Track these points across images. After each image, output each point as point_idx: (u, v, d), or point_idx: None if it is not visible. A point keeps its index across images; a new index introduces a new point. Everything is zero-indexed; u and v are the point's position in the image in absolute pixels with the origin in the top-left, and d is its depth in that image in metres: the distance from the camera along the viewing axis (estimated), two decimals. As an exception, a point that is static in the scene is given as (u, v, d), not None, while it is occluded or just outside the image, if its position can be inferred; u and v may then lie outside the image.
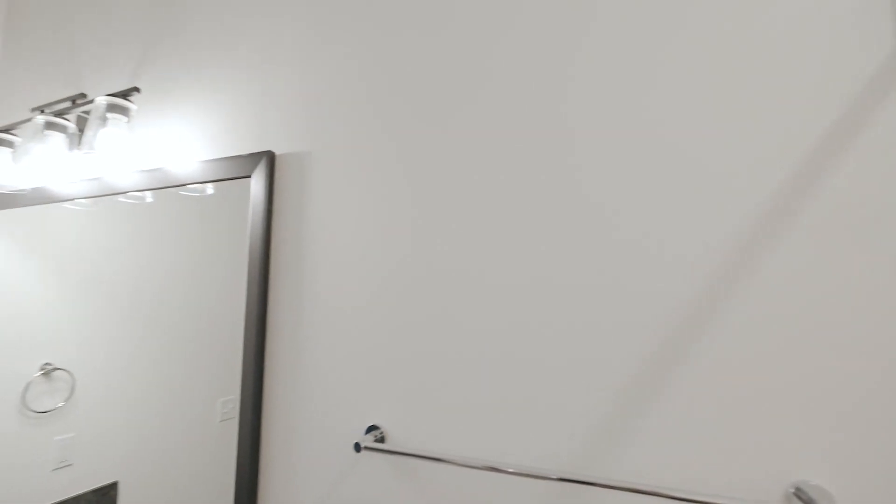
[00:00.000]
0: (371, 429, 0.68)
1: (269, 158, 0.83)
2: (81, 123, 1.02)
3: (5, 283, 1.17)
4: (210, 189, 0.93)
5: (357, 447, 0.63)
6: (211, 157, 0.89)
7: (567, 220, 0.62)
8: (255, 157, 0.84)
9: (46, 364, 1.09)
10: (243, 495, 0.77)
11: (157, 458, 0.95)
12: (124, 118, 0.89)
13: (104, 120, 0.87)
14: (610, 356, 0.58)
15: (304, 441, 0.75)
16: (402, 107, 0.75)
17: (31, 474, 1.07)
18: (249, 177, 0.84)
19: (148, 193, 1.00)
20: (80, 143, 1.02)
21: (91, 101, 0.94)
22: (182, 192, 0.96)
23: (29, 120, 1.06)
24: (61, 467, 1.04)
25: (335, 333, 0.75)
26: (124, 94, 0.89)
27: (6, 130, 1.07)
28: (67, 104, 1.00)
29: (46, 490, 1.05)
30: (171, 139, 0.96)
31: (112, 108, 0.87)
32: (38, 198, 1.13)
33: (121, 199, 1.03)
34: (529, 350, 0.62)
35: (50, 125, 0.96)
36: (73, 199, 1.10)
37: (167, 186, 0.95)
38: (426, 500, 0.65)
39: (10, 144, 1.08)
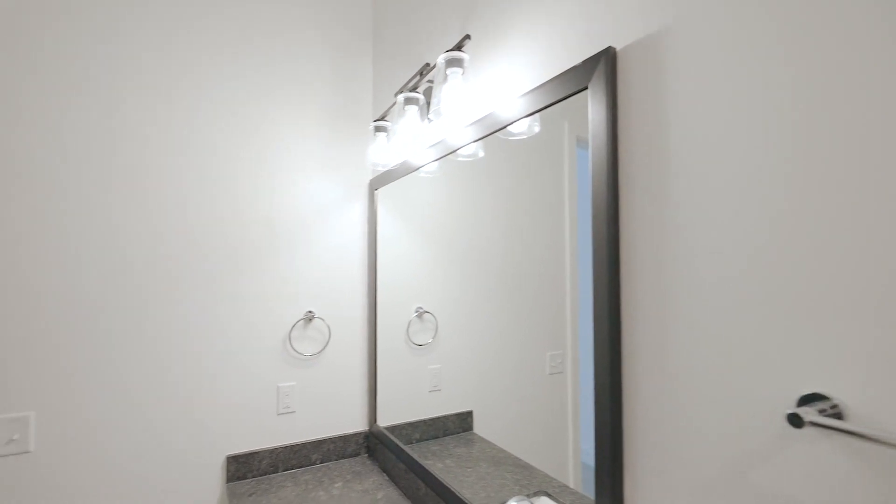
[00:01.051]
0: (811, 399, 0.45)
1: (609, 60, 0.69)
2: (429, 95, 1.16)
3: (390, 244, 1.50)
4: (537, 127, 0.88)
5: (795, 420, 0.42)
6: (536, 84, 0.84)
7: None
8: (586, 66, 0.72)
9: (419, 307, 1.33)
10: (605, 474, 0.68)
11: (497, 398, 0.99)
12: (459, 70, 0.93)
13: (445, 79, 0.95)
14: None
15: (686, 409, 0.59)
16: None
17: (416, 392, 1.32)
18: (586, 88, 0.73)
19: (480, 149, 1.05)
20: (428, 112, 1.17)
21: (434, 66, 1.04)
22: (509, 138, 0.95)
23: (394, 104, 1.29)
24: (434, 391, 1.25)
25: (731, 263, 0.55)
26: (458, 46, 0.93)
27: (381, 118, 1.35)
28: (417, 78, 1.15)
29: (425, 406, 1.28)
30: (497, 77, 0.97)
31: (450, 63, 0.93)
32: (403, 171, 1.38)
33: (460, 158, 1.12)
34: None
35: (407, 101, 1.13)
36: (422, 167, 1.28)
37: (494, 131, 0.96)
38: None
39: (384, 129, 1.35)
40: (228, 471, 1.38)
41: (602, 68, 0.69)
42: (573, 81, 0.75)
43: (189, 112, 1.39)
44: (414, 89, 1.15)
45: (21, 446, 1.16)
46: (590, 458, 0.76)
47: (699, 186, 0.59)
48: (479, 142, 1.04)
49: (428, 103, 1.16)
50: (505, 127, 0.94)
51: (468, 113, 1.06)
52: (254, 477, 1.41)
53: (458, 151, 1.12)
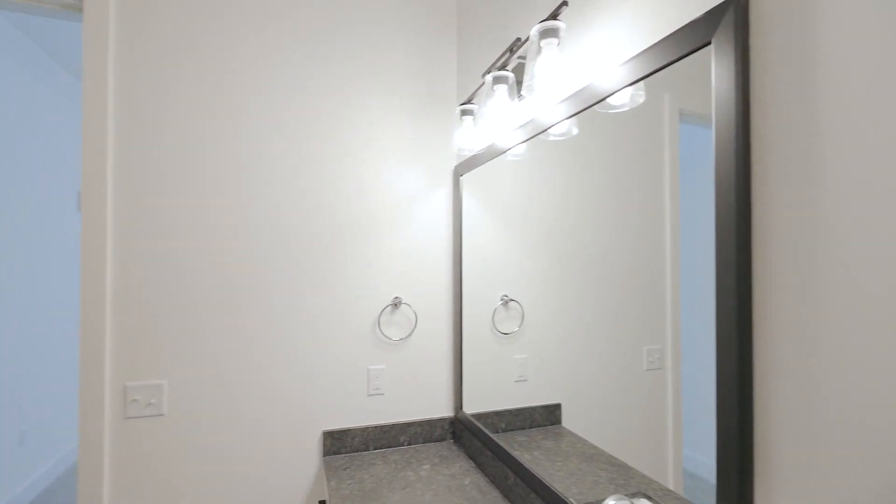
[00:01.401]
0: None
1: (739, 7, 0.59)
2: (519, 73, 1.11)
3: (475, 231, 1.48)
4: (642, 96, 0.79)
5: None
6: (643, 48, 0.75)
7: None
8: (709, 19, 0.63)
9: (504, 295, 1.30)
10: (731, 489, 0.60)
11: (588, 393, 0.94)
12: (555, 41, 0.88)
13: (538, 52, 0.89)
14: None
15: (843, 429, 0.50)
16: None
17: (501, 381, 1.30)
18: (708, 44, 0.64)
19: (574, 126, 0.99)
20: (519, 90, 1.12)
21: (526, 41, 1.00)
22: (608, 111, 0.87)
23: (481, 85, 1.26)
24: (520, 381, 1.21)
25: None
26: (553, 15, 0.87)
27: (468, 102, 1.33)
28: (506, 56, 1.11)
29: (510, 397, 1.25)
30: (596, 45, 0.90)
31: (544, 33, 0.87)
32: (489, 154, 1.35)
33: (551, 137, 1.06)
34: None
35: (496, 80, 1.09)
36: (510, 150, 1.24)
37: (592, 104, 0.89)
38: None
39: (471, 112, 1.33)
40: (325, 445, 1.47)
41: (730, 18, 0.60)
42: (690, 39, 0.66)
43: (280, 104, 1.48)
44: (503, 68, 1.11)
45: (156, 409, 1.33)
46: (694, 466, 0.69)
47: (866, 174, 0.48)
48: (573, 119, 0.98)
49: (518, 82, 1.12)
50: (604, 99, 0.86)
51: (562, 87, 1.00)
52: (347, 453, 1.49)
53: (549, 130, 1.06)
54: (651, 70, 0.74)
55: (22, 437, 2.65)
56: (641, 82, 0.78)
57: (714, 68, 0.63)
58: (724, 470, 0.61)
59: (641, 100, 0.79)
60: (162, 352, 1.34)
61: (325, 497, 1.43)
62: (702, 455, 0.68)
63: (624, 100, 0.83)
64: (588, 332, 0.94)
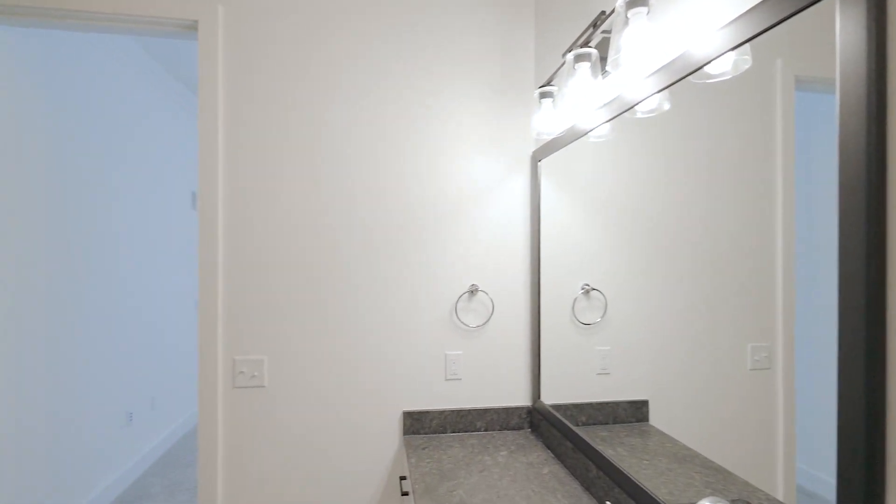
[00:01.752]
0: None
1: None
2: (603, 48, 1.05)
3: (554, 217, 1.44)
4: (746, 61, 0.71)
5: None
6: (746, 8, 0.67)
7: None
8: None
9: (585, 284, 1.25)
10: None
11: (681, 391, 0.87)
12: (644, 9, 0.81)
13: (625, 23, 0.83)
14: None
15: None
16: None
17: (582, 373, 1.25)
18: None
19: (665, 100, 0.91)
20: (603, 67, 1.06)
21: (611, 14, 0.93)
22: (706, 81, 0.79)
23: (561, 64, 1.21)
24: (602, 373, 1.17)
25: None
26: (643, -18, 0.81)
27: (547, 84, 1.28)
28: (589, 31, 1.05)
29: (591, 389, 1.20)
30: (690, 11, 0.81)
31: (632, 3, 0.81)
32: (569, 137, 1.29)
33: (638, 115, 0.99)
34: None
35: (577, 58, 1.04)
36: (592, 131, 1.18)
37: (686, 75, 0.81)
38: None
39: (550, 95, 1.28)
40: (405, 424, 1.53)
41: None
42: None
43: (359, 94, 1.54)
44: (585, 45, 1.05)
45: (259, 381, 1.48)
46: (808, 482, 0.61)
47: None
48: (664, 93, 0.90)
49: (602, 58, 1.05)
50: (701, 67, 0.79)
51: (652, 60, 0.93)
52: (425, 434, 1.54)
53: (636, 107, 0.99)
54: (759, 30, 0.66)
55: (153, 402, 3.10)
56: (747, 45, 0.70)
57: (839, 22, 0.54)
58: (847, 490, 0.53)
59: (747, 66, 0.71)
60: (262, 330, 1.49)
61: (406, 473, 1.50)
62: (817, 469, 0.60)
63: (725, 67, 0.75)
64: (680, 326, 0.87)
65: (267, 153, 1.49)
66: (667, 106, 0.91)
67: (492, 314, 1.60)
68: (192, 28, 1.49)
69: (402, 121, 1.55)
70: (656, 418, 0.95)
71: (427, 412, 1.54)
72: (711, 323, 0.79)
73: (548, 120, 1.30)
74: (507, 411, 1.58)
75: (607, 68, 0.92)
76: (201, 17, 1.45)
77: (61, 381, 2.17)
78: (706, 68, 0.78)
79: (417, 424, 1.54)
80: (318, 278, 1.51)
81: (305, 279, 1.50)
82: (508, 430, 1.58)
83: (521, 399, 1.61)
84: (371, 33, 1.54)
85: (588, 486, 1.17)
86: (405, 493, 1.28)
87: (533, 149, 1.61)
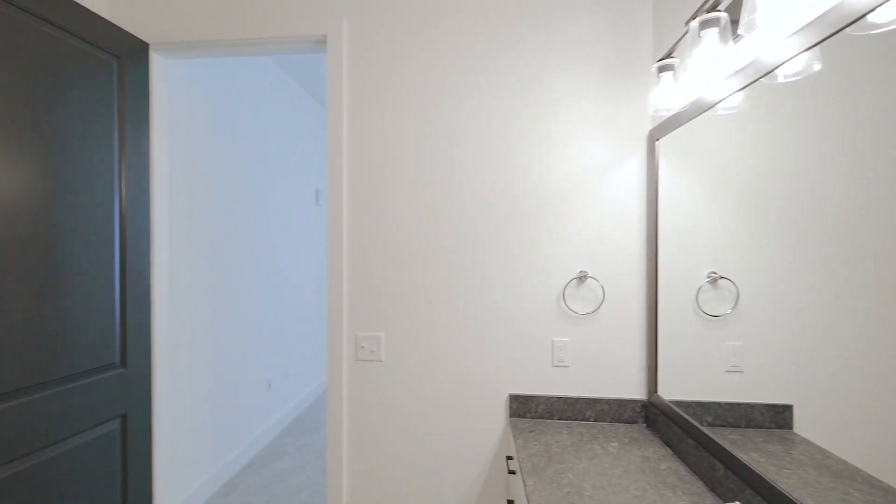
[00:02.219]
0: None
1: None
2: (734, 11, 0.96)
3: (674, 200, 1.34)
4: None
5: None
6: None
7: None
8: None
9: (712, 273, 1.15)
10: None
11: (838, 399, 0.77)
12: (789, -42, 0.72)
13: (764, -23, 0.75)
14: None
15: None
16: None
17: (707, 369, 1.16)
18: None
19: (816, 61, 0.80)
20: (734, 31, 0.97)
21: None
22: (870, 32, 0.68)
23: (684, 34, 1.12)
24: (732, 371, 1.07)
25: None
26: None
27: (666, 56, 1.20)
28: (718, -7, 0.96)
29: (719, 387, 1.11)
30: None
31: (774, -47, 0.73)
32: (693, 111, 1.20)
33: (779, 80, 0.89)
34: None
35: (703, 24, 0.96)
36: (720, 102, 1.07)
37: (846, 25, 0.71)
38: None
39: (670, 68, 1.20)
40: (511, 407, 1.56)
41: None
42: None
43: (471, 83, 1.58)
44: (713, 9, 0.96)
45: (377, 356, 1.63)
46: None
47: None
48: (813, 50, 0.79)
49: (733, 21, 0.96)
50: (863, 16, 0.68)
51: (796, 17, 0.82)
52: (531, 418, 1.55)
53: (776, 71, 0.89)
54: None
55: (286, 373, 3.54)
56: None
57: None
58: None
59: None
60: (380, 309, 1.63)
61: (512, 454, 1.53)
62: None
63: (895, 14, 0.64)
64: (837, 324, 0.76)
65: (385, 151, 1.62)
66: (817, 66, 0.80)
67: (602, 301, 1.55)
68: (321, 42, 1.67)
69: (513, 106, 1.57)
70: (803, 426, 0.85)
71: (533, 397, 1.55)
72: (880, 323, 0.68)
73: (667, 95, 1.22)
74: (620, 403, 1.52)
75: (739, 31, 0.84)
76: (330, 31, 1.62)
77: (223, 352, 2.61)
78: (868, 17, 0.68)
79: (523, 408, 1.56)
80: (431, 265, 1.60)
81: (418, 265, 1.61)
82: (621, 422, 1.52)
83: (634, 391, 1.54)
84: (475, 32, 1.57)
85: (713, 486, 1.09)
86: (512, 472, 1.31)
87: (649, 128, 1.52)
